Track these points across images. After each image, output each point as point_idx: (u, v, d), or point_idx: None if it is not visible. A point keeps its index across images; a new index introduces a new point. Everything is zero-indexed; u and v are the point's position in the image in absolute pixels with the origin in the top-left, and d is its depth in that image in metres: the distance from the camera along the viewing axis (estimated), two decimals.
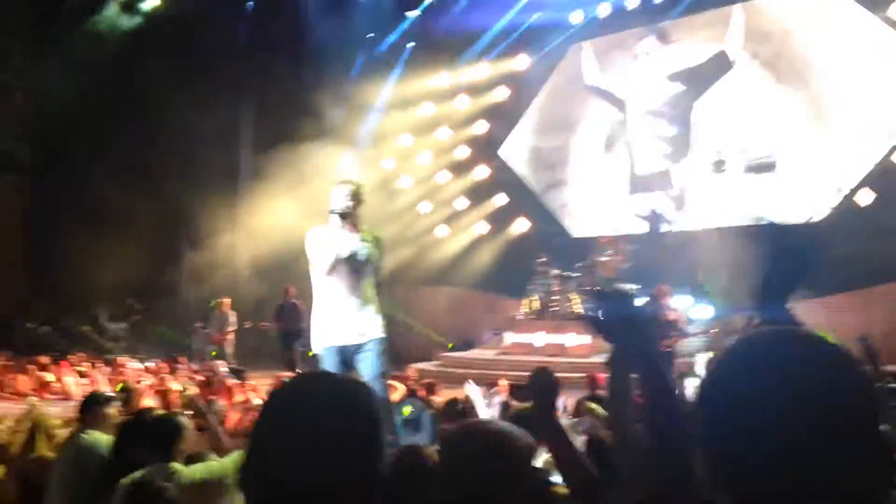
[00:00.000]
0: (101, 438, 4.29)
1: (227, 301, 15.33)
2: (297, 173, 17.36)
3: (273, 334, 15.02)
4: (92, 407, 4.70)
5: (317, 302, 5.71)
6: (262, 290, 17.46)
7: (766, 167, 15.78)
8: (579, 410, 7.41)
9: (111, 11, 18.12)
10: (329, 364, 5.58)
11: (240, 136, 20.61)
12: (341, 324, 5.55)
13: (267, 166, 17.81)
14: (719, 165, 15.41)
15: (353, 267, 5.56)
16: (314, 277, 5.68)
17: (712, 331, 13.51)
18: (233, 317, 15.22)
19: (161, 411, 4.53)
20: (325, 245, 5.51)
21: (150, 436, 3.69)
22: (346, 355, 5.58)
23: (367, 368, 5.55)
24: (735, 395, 1.18)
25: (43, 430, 4.59)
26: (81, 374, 11.57)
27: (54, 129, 16.32)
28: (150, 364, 12.30)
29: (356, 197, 5.56)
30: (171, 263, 18.15)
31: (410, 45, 19.98)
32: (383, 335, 5.68)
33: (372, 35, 19.77)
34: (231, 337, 15.07)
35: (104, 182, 16.83)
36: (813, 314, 14.18)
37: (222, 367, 11.60)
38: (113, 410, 4.69)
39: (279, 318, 14.69)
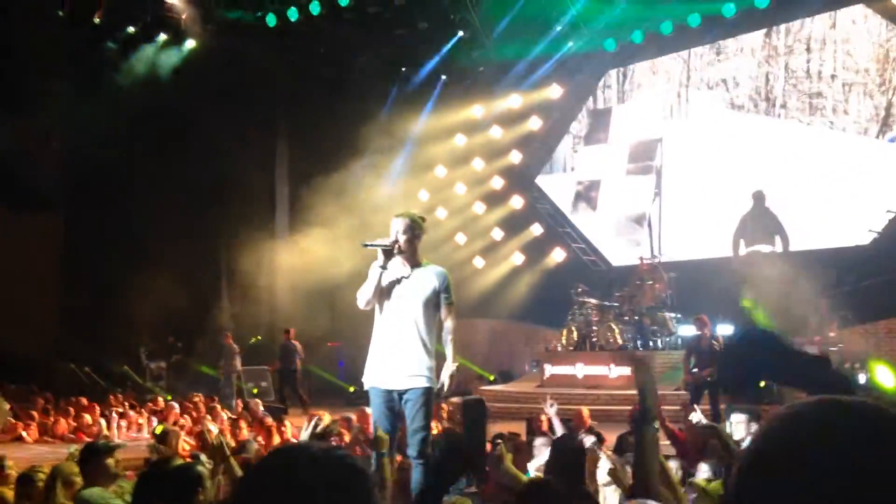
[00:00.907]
0: (94, 494, 4.18)
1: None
2: (334, 206, 17.44)
3: (273, 374, 15.74)
4: (90, 458, 4.53)
5: (373, 334, 5.36)
6: (302, 324, 17.47)
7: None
8: (622, 446, 7.22)
9: (149, 51, 18.47)
10: (374, 405, 5.22)
11: (276, 171, 20.77)
12: (386, 364, 5.16)
13: (304, 200, 17.92)
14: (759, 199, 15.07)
15: (402, 302, 5.17)
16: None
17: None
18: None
19: (181, 460, 4.43)
20: (374, 275, 5.18)
21: (168, 487, 3.60)
22: (392, 400, 5.13)
23: (409, 421, 5.09)
24: (782, 488, 0.97)
25: (61, 478, 4.50)
26: (121, 416, 11.59)
27: (90, 167, 16.59)
28: (189, 404, 12.29)
29: (410, 230, 5.17)
30: (211, 300, 18.24)
31: (443, 77, 20.04)
32: (429, 385, 5.08)
33: (405, 69, 19.86)
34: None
35: (141, 220, 17.05)
36: (862, 340, 13.89)
37: (260, 406, 11.58)
38: (113, 461, 4.56)
39: (280, 359, 15.50)
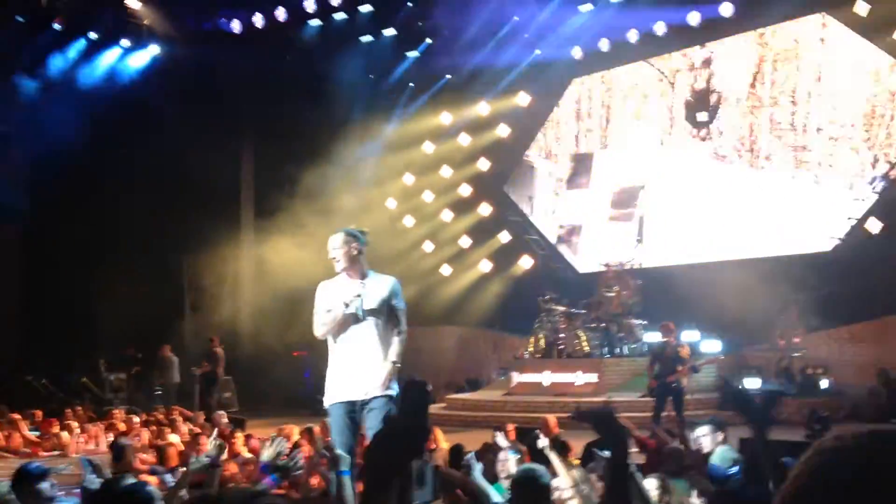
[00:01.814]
0: None
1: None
2: (301, 213, 17.28)
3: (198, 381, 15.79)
4: (22, 484, 4.32)
5: (330, 355, 5.39)
6: (263, 334, 17.28)
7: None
8: (590, 455, 7.15)
9: (111, 57, 18.20)
10: (334, 421, 5.23)
11: (241, 179, 20.55)
12: (347, 379, 5.22)
13: (270, 207, 17.76)
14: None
15: (355, 320, 5.21)
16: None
17: (719, 365, 13.25)
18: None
19: (132, 479, 4.27)
20: (325, 304, 5.24)
21: None
22: (353, 411, 5.20)
23: (368, 429, 5.16)
24: None
25: None
26: (82, 430, 11.32)
27: (51, 177, 16.26)
28: (150, 416, 12.05)
29: (347, 244, 5.21)
30: (173, 311, 17.97)
31: (411, 85, 19.97)
32: (391, 392, 5.16)
33: (372, 76, 19.77)
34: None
35: (103, 231, 16.74)
36: (825, 346, 14.02)
37: (223, 418, 11.38)
38: (47, 485, 4.38)
39: (207, 364, 15.79)
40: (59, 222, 16.58)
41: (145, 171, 17.00)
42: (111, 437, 9.90)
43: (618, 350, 14.50)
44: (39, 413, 11.87)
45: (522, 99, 19.33)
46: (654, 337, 14.09)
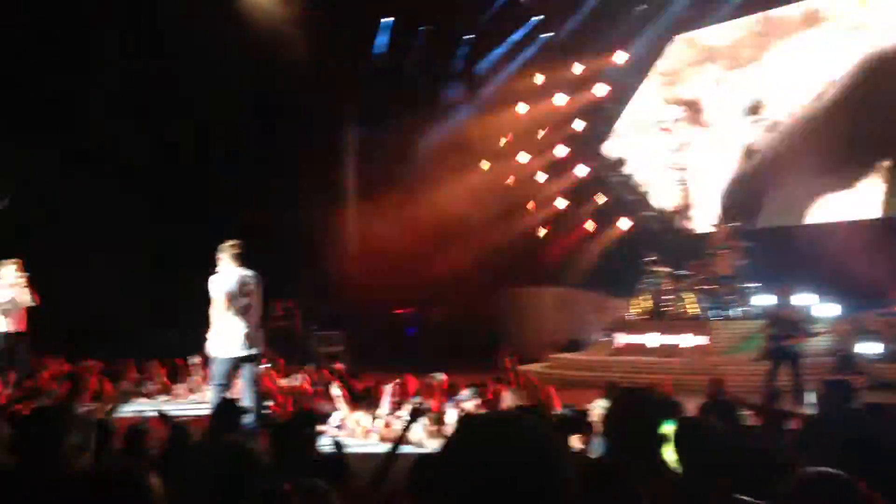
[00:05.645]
0: None
1: None
2: (400, 172, 17.51)
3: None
4: (226, 416, 4.82)
5: None
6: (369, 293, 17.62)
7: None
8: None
9: None
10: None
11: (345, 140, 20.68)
12: None
13: (374, 173, 18.03)
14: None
15: None
16: None
17: (839, 329, 12.94)
18: None
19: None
20: None
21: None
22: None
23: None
24: None
25: None
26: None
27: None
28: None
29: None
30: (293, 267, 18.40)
31: (508, 45, 19.84)
32: None
33: (472, 37, 19.71)
34: None
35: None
36: None
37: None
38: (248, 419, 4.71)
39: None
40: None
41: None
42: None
43: (727, 312, 14.28)
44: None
45: (619, 57, 19.00)
46: (765, 300, 13.83)
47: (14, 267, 10.18)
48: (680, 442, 2.97)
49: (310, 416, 4.46)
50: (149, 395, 11.42)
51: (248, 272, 7.49)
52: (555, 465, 1.33)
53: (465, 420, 1.49)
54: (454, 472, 1.32)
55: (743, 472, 3.15)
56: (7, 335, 10.12)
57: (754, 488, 2.84)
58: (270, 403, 8.61)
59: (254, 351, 7.38)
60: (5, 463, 3.14)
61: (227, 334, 7.27)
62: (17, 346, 10.17)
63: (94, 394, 9.54)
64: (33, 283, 10.41)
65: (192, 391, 11.50)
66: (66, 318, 12.37)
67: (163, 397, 11.38)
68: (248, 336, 7.33)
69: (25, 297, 10.25)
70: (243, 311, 7.34)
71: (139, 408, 9.02)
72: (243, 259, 7.49)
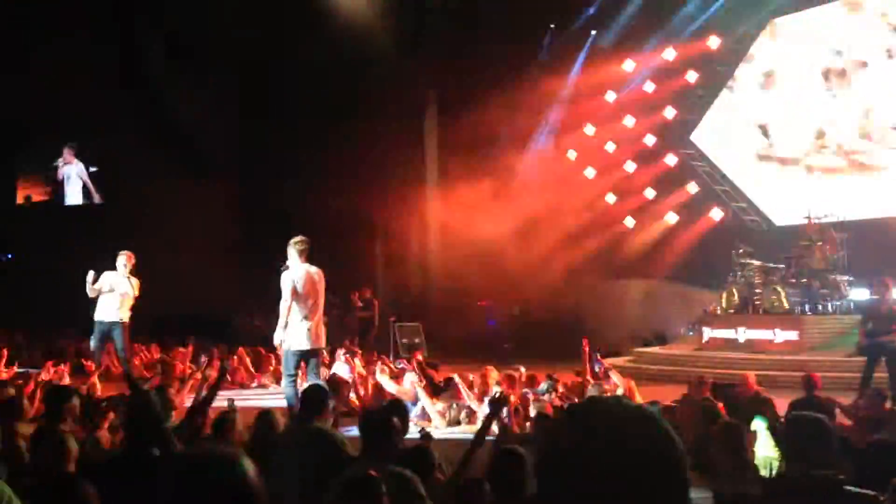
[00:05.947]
0: None
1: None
2: (482, 165, 17.49)
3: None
4: (314, 402, 4.90)
5: None
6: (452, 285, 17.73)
7: None
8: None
9: None
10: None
11: (425, 132, 20.87)
12: None
13: (455, 166, 18.10)
14: None
15: None
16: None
17: None
18: None
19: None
20: None
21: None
22: None
23: None
24: None
25: None
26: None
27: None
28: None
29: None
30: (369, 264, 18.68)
31: (594, 32, 19.55)
32: None
33: (554, 25, 19.51)
34: None
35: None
36: None
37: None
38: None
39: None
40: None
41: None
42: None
43: (820, 307, 13.80)
44: (261, 350, 12.73)
45: (713, 43, 18.46)
46: (861, 294, 13.32)
47: (124, 259, 10.51)
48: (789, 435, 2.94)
49: (396, 406, 4.57)
50: (237, 384, 11.76)
51: (312, 268, 7.80)
52: (682, 463, 1.26)
53: (585, 409, 1.37)
54: (577, 468, 1.24)
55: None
56: (122, 324, 10.34)
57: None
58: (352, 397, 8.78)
59: (319, 346, 7.72)
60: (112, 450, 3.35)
61: (294, 328, 7.59)
62: (123, 334, 10.39)
63: (181, 381, 9.88)
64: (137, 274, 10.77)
65: (277, 381, 11.80)
66: (157, 308, 12.83)
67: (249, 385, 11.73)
68: (312, 331, 7.66)
69: (133, 288, 10.53)
70: (309, 307, 7.63)
71: (226, 395, 9.33)
72: (309, 255, 7.76)
